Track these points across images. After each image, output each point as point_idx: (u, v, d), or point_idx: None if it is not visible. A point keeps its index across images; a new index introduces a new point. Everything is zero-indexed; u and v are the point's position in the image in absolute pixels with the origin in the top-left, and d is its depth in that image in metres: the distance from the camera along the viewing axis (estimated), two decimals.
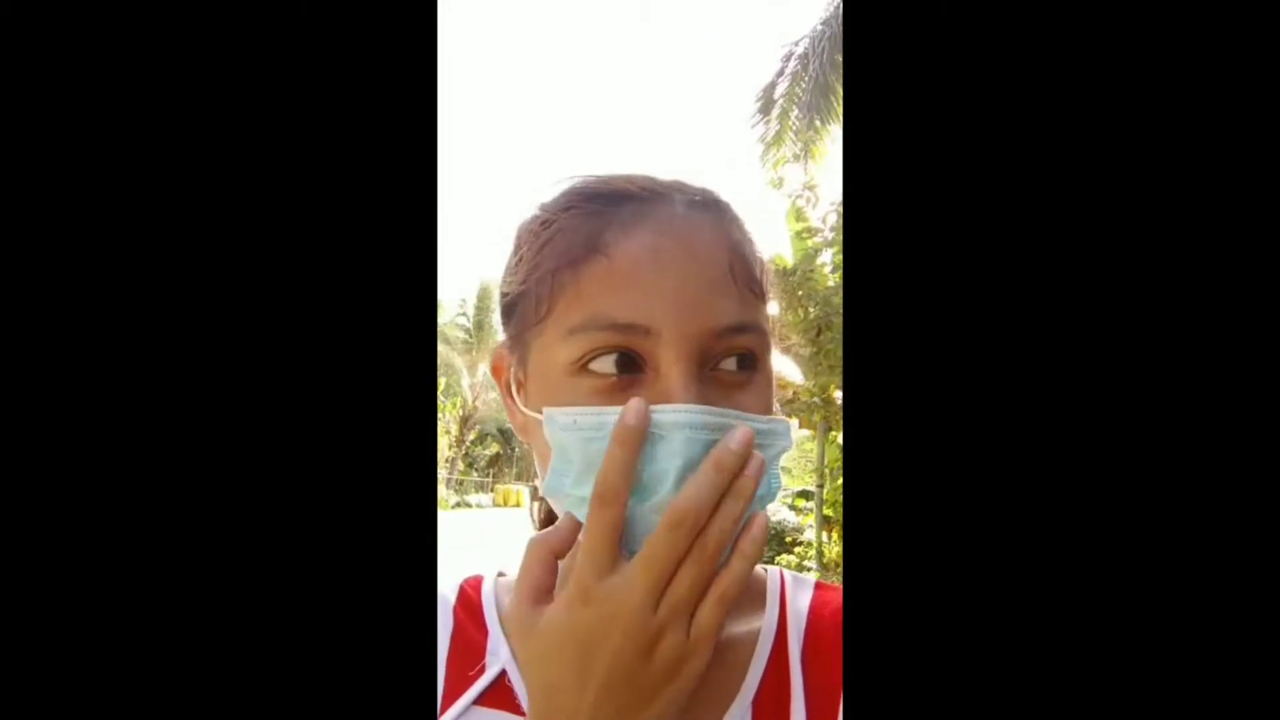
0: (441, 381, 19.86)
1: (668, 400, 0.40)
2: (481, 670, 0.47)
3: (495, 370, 0.50)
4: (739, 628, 0.49)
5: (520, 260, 0.46)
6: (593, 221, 0.43)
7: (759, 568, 0.54)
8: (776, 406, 0.46)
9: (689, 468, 0.38)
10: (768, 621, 0.49)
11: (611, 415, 0.39)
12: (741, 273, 0.43)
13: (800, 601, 0.51)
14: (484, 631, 0.50)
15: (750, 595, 0.51)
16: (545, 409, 0.42)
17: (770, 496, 0.43)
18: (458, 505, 21.24)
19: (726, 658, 0.47)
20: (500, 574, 0.55)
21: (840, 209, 5.00)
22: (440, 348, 23.74)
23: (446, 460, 22.06)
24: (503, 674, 0.47)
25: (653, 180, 0.46)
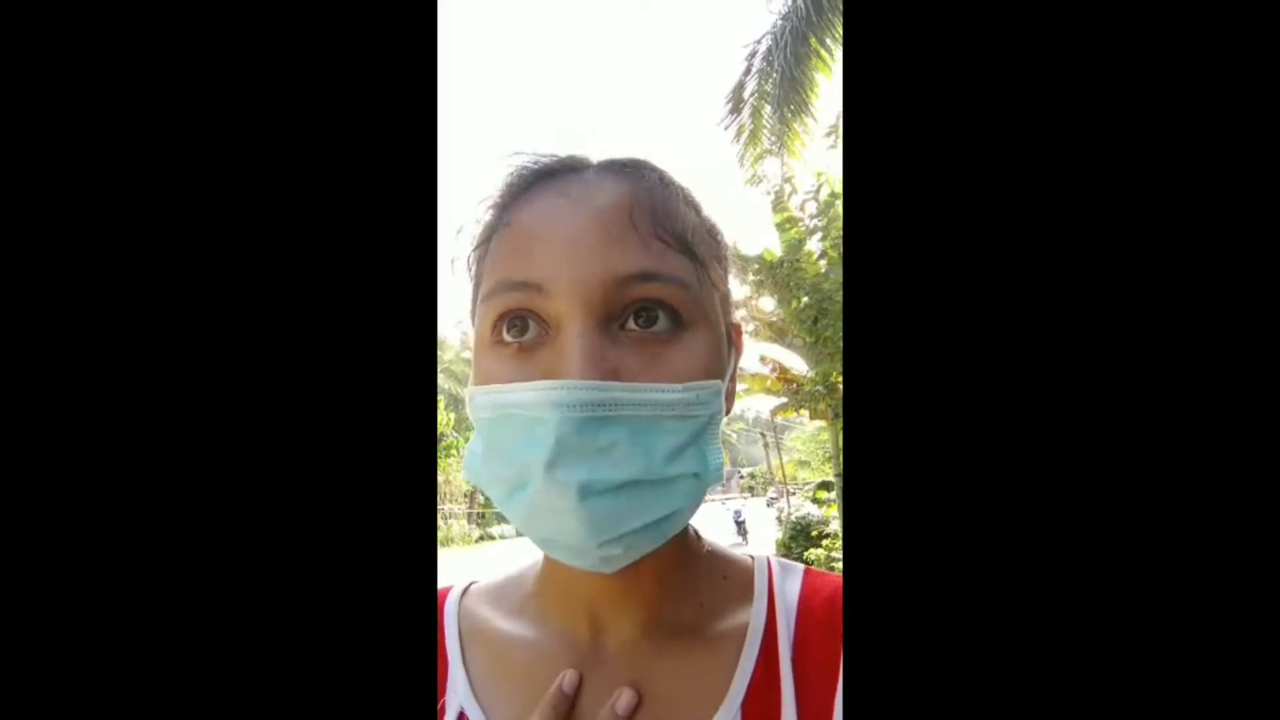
0: (451, 416, 19.79)
1: (561, 363, 0.38)
2: (442, 711, 0.45)
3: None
4: (725, 623, 0.46)
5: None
6: (508, 196, 0.44)
7: (745, 555, 0.51)
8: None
9: (563, 452, 0.37)
10: (755, 615, 0.46)
11: (502, 396, 0.40)
12: (644, 221, 0.41)
13: (790, 591, 0.47)
14: (444, 660, 0.48)
15: (737, 586, 0.48)
16: (469, 389, 0.43)
17: (710, 475, 0.41)
18: (481, 539, 21.15)
19: (713, 655, 0.44)
20: (472, 583, 0.53)
21: (816, 196, 5.00)
22: (450, 383, 23.70)
23: (465, 494, 21.96)
24: (461, 715, 0.44)
25: (579, 158, 0.45)
